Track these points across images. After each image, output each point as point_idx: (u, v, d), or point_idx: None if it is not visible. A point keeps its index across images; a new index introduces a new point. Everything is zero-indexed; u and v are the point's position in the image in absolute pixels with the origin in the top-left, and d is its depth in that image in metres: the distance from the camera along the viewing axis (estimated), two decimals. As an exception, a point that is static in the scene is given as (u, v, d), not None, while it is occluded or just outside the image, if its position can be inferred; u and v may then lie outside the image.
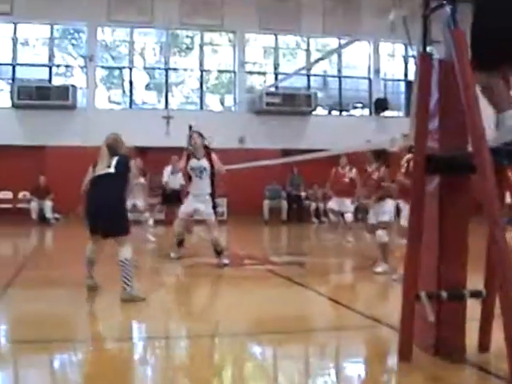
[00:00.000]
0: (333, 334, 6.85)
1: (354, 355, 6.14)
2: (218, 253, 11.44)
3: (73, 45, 26.11)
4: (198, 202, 11.78)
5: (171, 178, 18.21)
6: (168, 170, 18.32)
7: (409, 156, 9.78)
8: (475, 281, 5.68)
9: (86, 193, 8.69)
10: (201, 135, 12.00)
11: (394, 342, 5.54)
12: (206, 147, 12.01)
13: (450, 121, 5.42)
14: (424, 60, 5.38)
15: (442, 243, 5.49)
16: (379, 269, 10.16)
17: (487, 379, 5.25)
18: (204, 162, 11.83)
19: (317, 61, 21.95)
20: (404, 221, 9.76)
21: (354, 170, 16.32)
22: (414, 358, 5.45)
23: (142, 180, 16.12)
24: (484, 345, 5.68)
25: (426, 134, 5.32)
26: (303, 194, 24.84)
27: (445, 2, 5.26)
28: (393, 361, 5.51)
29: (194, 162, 11.86)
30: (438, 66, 5.50)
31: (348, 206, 16.49)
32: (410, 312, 5.35)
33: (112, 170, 8.46)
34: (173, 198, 17.56)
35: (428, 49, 5.47)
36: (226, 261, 11.42)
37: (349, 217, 16.70)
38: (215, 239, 11.46)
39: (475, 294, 5.51)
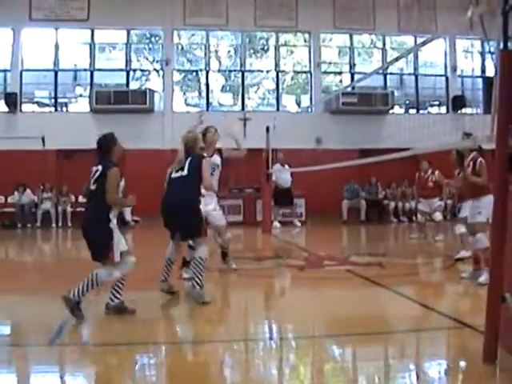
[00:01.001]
0: (414, 336, 6.80)
1: (435, 357, 6.08)
2: (225, 256, 11.18)
3: (149, 49, 26.43)
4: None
5: None
6: None
7: (474, 154, 9.80)
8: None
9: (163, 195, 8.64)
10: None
11: (477, 343, 5.48)
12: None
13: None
14: (505, 57, 5.30)
15: (528, 243, 5.41)
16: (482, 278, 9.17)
17: None
18: (216, 159, 10.83)
19: (393, 61, 21.67)
20: (471, 218, 9.74)
21: (437, 173, 16.44)
22: (498, 360, 5.39)
23: None
24: None
25: (507, 132, 5.24)
26: (380, 196, 24.70)
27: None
28: (477, 362, 5.43)
29: None
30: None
31: (436, 205, 16.89)
32: (495, 313, 5.29)
33: (185, 172, 8.45)
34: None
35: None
36: (234, 266, 11.18)
37: (437, 216, 16.77)
38: (224, 242, 11.01)
39: None
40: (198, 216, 8.47)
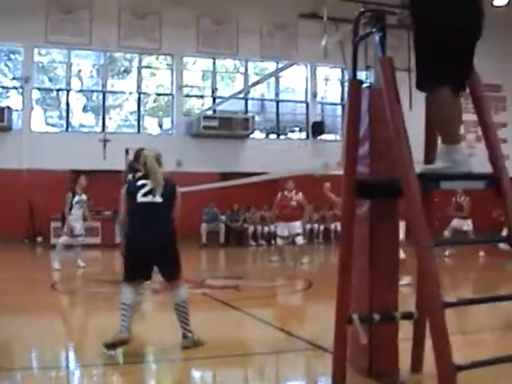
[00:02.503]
0: (269, 358, 6.85)
1: (289, 379, 6.20)
2: None
3: (8, 66, 25.81)
4: None
5: None
6: None
7: None
8: (409, 303, 5.78)
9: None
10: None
11: (328, 364, 5.59)
12: None
13: (380, 146, 5.53)
14: (353, 86, 5.48)
15: (373, 266, 5.59)
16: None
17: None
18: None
19: (254, 84, 21.99)
20: None
21: (300, 194, 16.60)
22: (348, 380, 5.52)
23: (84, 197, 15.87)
24: (416, 365, 5.78)
25: (355, 159, 5.41)
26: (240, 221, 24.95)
27: (374, 30, 5.38)
28: (326, 383, 5.55)
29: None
30: (368, 91, 5.62)
31: (297, 228, 16.72)
32: (343, 335, 5.41)
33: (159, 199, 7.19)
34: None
35: (360, 74, 5.59)
36: None
37: (300, 240, 16.77)
38: None
39: (407, 316, 5.60)
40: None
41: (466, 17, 4.89)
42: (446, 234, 18.13)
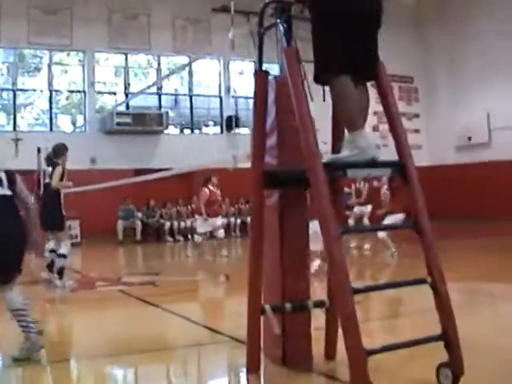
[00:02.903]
0: (187, 352, 6.85)
1: (208, 371, 6.23)
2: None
3: None
4: None
5: None
6: None
7: None
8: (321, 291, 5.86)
9: None
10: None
11: (244, 355, 5.62)
12: None
13: (288, 137, 5.57)
14: (259, 77, 5.51)
15: (284, 256, 5.63)
16: None
17: (332, 385, 5.43)
18: None
19: (165, 77, 21.89)
20: None
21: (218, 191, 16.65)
22: (263, 369, 5.57)
23: None
24: (330, 353, 5.85)
25: (262, 149, 5.44)
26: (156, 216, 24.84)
27: (278, 21, 5.41)
28: (243, 373, 5.58)
29: None
30: (274, 82, 5.65)
31: (219, 223, 16.81)
32: (256, 325, 5.46)
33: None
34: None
35: (273, 67, 5.62)
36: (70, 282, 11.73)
37: (221, 233, 16.83)
38: None
39: (318, 304, 5.67)
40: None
41: (360, 5, 4.95)
42: (351, 221, 18.15)
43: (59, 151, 11.96)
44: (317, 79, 5.12)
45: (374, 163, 5.00)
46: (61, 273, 11.60)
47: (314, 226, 8.79)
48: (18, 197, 6.55)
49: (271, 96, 5.62)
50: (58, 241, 11.76)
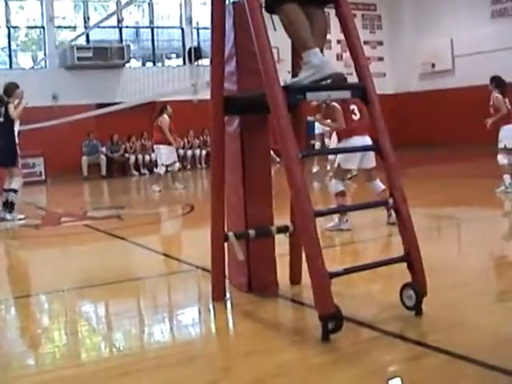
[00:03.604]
0: (154, 282, 6.89)
1: (171, 300, 6.26)
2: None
3: None
4: None
5: None
6: None
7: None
8: (286, 218, 5.87)
9: None
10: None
11: (209, 283, 5.65)
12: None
13: (247, 63, 5.50)
14: (216, 3, 5.42)
15: (247, 183, 5.63)
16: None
17: (298, 309, 5.51)
18: None
19: (124, 6, 21.46)
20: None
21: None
22: (229, 297, 5.62)
23: None
24: (295, 278, 5.90)
25: (221, 76, 5.39)
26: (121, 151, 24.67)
27: None
28: (208, 301, 5.62)
29: None
30: (232, 8, 5.57)
31: (175, 155, 16.80)
32: (220, 253, 5.48)
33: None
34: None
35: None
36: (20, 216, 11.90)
37: (177, 166, 16.82)
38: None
39: (282, 230, 5.69)
40: None
41: None
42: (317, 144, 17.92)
43: (9, 90, 11.95)
44: (266, 8, 5.08)
45: (333, 86, 4.97)
46: (11, 207, 11.74)
47: (350, 144, 8.72)
48: None
49: (229, 22, 5.55)
50: (11, 176, 11.78)
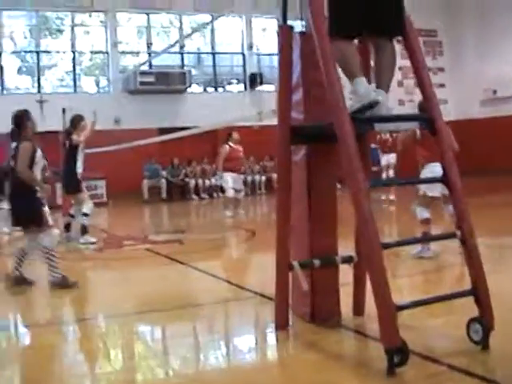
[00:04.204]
0: (215, 309, 6.91)
1: (233, 328, 6.27)
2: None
3: None
4: None
5: None
6: None
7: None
8: (349, 247, 5.83)
9: None
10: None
11: (272, 311, 5.63)
12: None
13: (314, 92, 5.51)
14: (284, 32, 5.43)
15: (312, 211, 5.61)
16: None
17: (361, 340, 5.45)
18: None
19: (188, 36, 21.75)
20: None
21: (240, 147, 16.53)
22: (291, 326, 5.59)
23: None
24: (358, 309, 5.86)
25: (288, 105, 5.39)
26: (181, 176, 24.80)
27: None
28: (271, 330, 5.59)
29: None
30: (299, 37, 5.58)
31: (241, 181, 16.71)
32: (284, 282, 5.46)
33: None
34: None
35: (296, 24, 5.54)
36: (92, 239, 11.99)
37: (242, 194, 16.73)
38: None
39: (346, 260, 5.66)
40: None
41: None
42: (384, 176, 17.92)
43: (74, 122, 12.40)
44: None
45: (400, 117, 4.96)
46: (83, 231, 11.88)
47: (432, 171, 8.59)
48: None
49: (296, 51, 5.55)
50: (79, 202, 11.94)
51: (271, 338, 5.62)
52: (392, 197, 17.17)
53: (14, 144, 8.05)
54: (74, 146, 12.07)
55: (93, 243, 11.78)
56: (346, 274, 5.82)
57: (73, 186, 12.06)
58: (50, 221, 7.79)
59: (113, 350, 5.66)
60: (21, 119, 8.10)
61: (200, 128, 13.87)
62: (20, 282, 8.00)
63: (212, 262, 10.05)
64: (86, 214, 11.91)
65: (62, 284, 7.70)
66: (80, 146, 12.15)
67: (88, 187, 18.82)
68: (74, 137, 12.01)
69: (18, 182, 7.82)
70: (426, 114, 5.03)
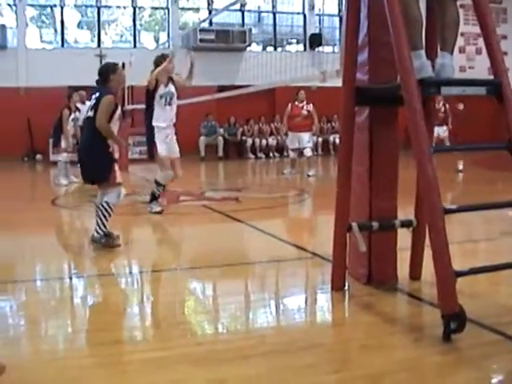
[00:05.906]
0: (269, 266, 6.91)
1: (289, 286, 6.23)
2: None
3: (1, -17, 25.25)
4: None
5: None
6: None
7: None
8: (407, 211, 5.80)
9: None
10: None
11: (328, 272, 5.64)
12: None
13: (380, 53, 5.44)
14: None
15: (373, 174, 5.57)
16: None
17: (417, 305, 5.42)
18: (172, 88, 10.99)
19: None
20: None
21: (311, 105, 16.49)
22: (347, 287, 5.59)
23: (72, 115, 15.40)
24: (415, 273, 5.83)
25: (354, 65, 5.33)
26: (238, 134, 24.81)
27: None
28: (327, 290, 5.61)
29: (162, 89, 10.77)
30: (367, -2, 5.51)
31: (306, 140, 16.68)
32: (342, 243, 5.45)
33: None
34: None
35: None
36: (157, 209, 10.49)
37: (308, 151, 16.75)
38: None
39: (406, 224, 5.63)
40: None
41: None
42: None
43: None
44: None
45: (468, 81, 4.88)
46: (153, 197, 10.60)
47: None
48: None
49: (364, 11, 5.47)
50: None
51: (326, 298, 5.63)
52: (461, 166, 16.95)
53: (95, 95, 7.75)
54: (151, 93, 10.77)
55: (157, 212, 10.45)
56: (404, 238, 5.79)
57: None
58: (119, 178, 7.65)
59: (163, 304, 5.73)
60: (105, 71, 7.84)
61: (258, 86, 13.76)
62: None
63: (268, 221, 10.04)
64: (157, 182, 10.70)
65: (104, 243, 7.54)
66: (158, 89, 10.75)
67: (142, 143, 19.03)
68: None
69: (93, 135, 7.55)
70: (494, 80, 4.94)
